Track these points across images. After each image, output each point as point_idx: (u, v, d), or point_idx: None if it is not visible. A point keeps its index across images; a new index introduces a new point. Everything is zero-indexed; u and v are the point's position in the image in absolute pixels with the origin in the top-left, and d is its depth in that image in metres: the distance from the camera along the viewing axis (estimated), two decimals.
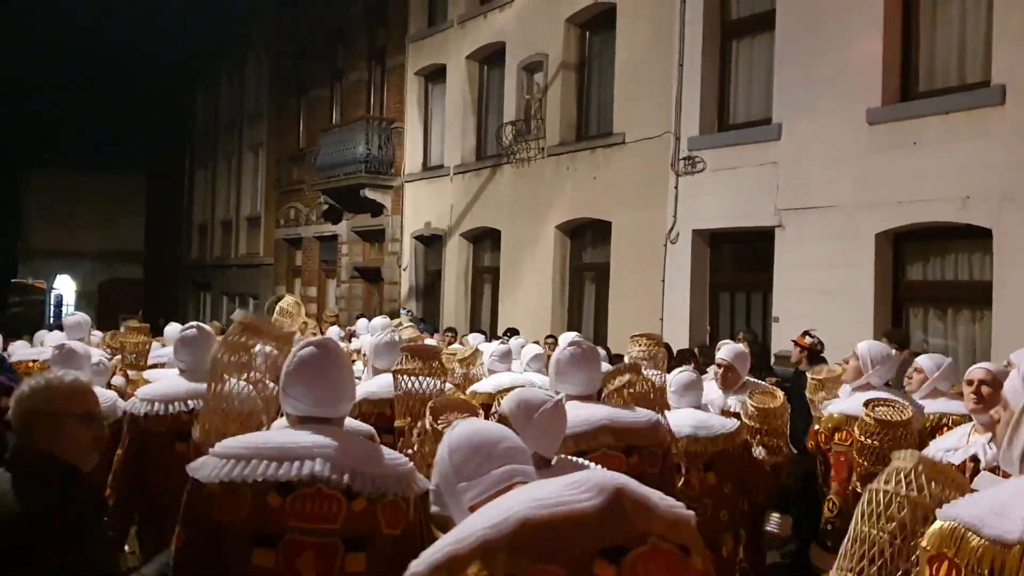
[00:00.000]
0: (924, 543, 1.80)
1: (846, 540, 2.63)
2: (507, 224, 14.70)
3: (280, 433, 2.46)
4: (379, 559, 2.32)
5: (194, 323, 4.48)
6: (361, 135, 18.14)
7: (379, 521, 2.33)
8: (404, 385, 4.32)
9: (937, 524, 1.76)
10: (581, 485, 1.60)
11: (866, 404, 4.51)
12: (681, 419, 4.43)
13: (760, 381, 5.75)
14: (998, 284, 7.99)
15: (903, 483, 2.63)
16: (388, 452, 2.51)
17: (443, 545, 1.61)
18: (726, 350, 5.63)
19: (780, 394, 5.21)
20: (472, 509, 1.72)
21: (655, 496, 1.67)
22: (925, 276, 9.02)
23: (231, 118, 26.84)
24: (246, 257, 25.24)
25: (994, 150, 7.99)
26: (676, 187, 11.31)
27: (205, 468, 2.34)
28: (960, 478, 2.90)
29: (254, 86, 25.39)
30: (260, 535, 2.27)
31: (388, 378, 4.55)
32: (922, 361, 5.18)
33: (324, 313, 16.90)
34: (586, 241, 13.50)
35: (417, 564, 1.62)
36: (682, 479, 4.32)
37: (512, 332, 11.24)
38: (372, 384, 4.79)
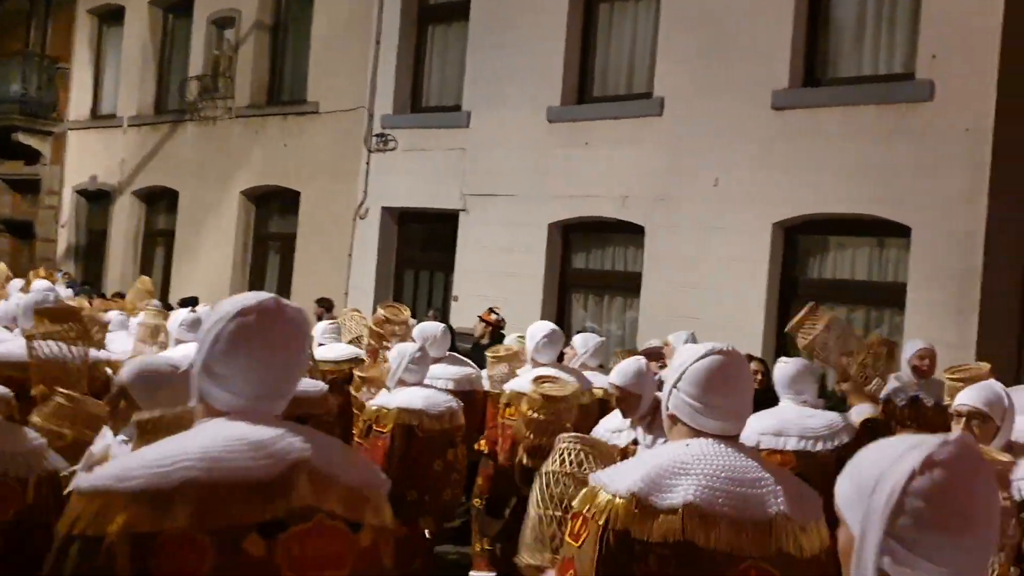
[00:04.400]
0: (574, 503, 2.07)
1: (526, 523, 2.85)
2: (187, 185, 13.93)
3: None
4: None
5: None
6: (17, 72, 16.24)
7: None
8: (41, 351, 3.99)
9: (586, 487, 2.05)
10: (264, 449, 1.57)
11: (535, 380, 4.87)
12: (417, 396, 4.48)
13: (460, 356, 6.05)
14: (647, 276, 8.99)
15: (566, 462, 2.94)
16: (8, 429, 2.27)
17: (110, 472, 1.54)
18: (419, 329, 5.81)
19: None
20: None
21: (344, 467, 1.66)
22: (587, 265, 9.92)
23: None
24: None
25: (651, 156, 8.97)
26: (368, 163, 11.40)
27: None
28: (612, 452, 3.28)
29: None
30: None
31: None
32: (575, 340, 5.81)
33: None
34: (272, 210, 13.20)
35: (84, 479, 1.56)
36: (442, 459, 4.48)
37: (190, 302, 10.65)
38: (7, 345, 4.39)
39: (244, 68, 13.22)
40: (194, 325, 5.32)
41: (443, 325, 6.07)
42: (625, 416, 3.90)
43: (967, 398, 3.19)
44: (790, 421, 4.06)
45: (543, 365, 5.35)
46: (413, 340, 5.30)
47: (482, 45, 10.43)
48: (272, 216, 13.22)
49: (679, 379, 2.07)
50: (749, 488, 1.95)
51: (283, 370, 1.66)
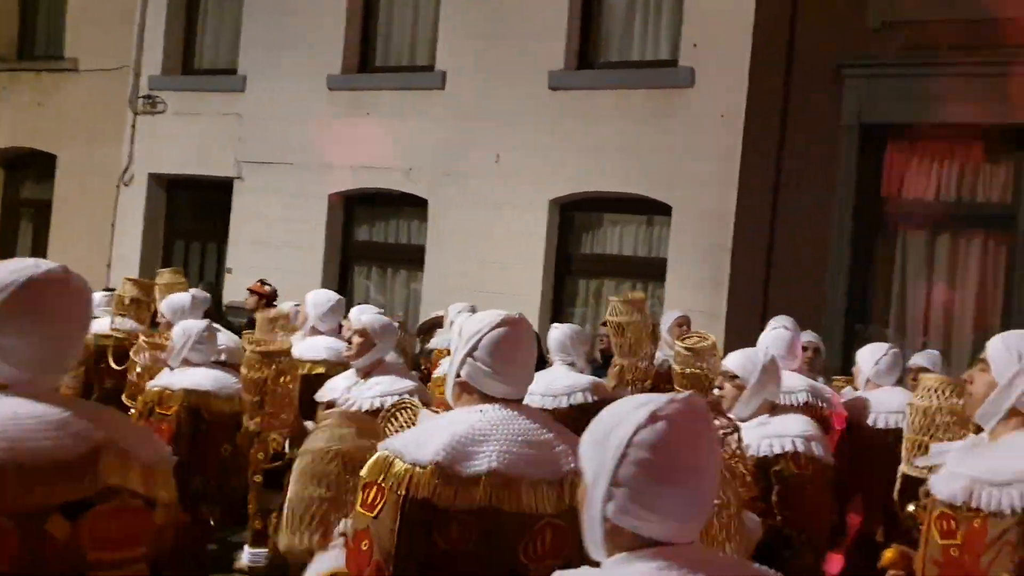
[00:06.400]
0: (363, 473, 2.05)
1: (287, 504, 2.76)
2: None
3: None
4: None
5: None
6: None
7: None
8: None
9: (375, 455, 2.05)
10: (65, 428, 1.54)
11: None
12: (205, 377, 4.25)
13: (222, 328, 5.78)
14: (430, 249, 9.07)
15: (333, 438, 2.87)
16: None
17: None
18: (167, 304, 5.52)
19: None
20: None
21: (142, 443, 1.66)
22: (371, 237, 9.85)
23: None
24: None
25: (435, 129, 9.00)
26: (133, 126, 10.75)
27: None
28: (376, 427, 3.24)
29: None
30: None
31: None
32: (352, 312, 5.82)
33: None
34: (25, 174, 12.19)
35: None
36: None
37: None
38: None
39: None
40: None
41: (192, 294, 5.72)
42: (354, 359, 4.09)
43: (727, 361, 3.53)
44: (540, 382, 4.31)
45: (323, 334, 5.28)
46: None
47: (260, 7, 10.02)
48: (25, 181, 12.23)
49: (475, 348, 2.12)
50: (543, 450, 2.05)
51: (69, 341, 1.64)
